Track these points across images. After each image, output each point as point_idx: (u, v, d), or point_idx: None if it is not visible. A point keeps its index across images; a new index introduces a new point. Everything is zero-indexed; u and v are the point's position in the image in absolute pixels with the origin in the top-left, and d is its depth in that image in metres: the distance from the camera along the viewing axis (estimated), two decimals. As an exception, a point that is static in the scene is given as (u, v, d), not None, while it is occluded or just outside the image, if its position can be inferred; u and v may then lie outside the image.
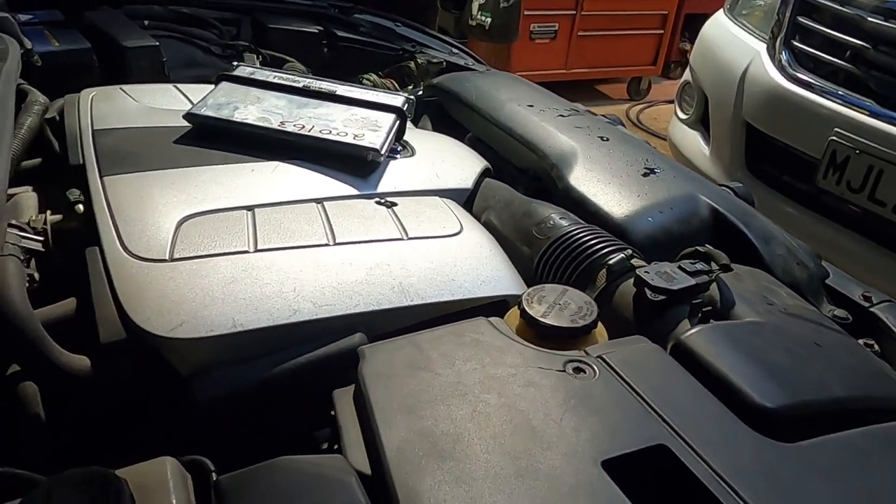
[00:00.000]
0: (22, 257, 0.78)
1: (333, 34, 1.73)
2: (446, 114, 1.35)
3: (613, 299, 0.79)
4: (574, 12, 4.26)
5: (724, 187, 1.07)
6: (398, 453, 0.52)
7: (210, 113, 1.03)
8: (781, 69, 2.08)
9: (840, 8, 1.96)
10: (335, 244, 0.81)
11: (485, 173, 1.09)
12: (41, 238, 0.84)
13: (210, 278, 0.73)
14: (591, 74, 4.64)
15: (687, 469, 0.52)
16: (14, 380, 0.70)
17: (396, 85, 1.61)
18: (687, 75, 2.57)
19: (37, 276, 0.81)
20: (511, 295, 0.80)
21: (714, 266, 0.77)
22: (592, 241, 0.85)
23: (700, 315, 0.72)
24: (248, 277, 0.74)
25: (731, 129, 2.24)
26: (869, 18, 1.87)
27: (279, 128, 1.02)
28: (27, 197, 0.94)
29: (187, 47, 1.57)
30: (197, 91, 1.16)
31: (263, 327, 0.69)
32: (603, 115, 1.31)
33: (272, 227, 0.82)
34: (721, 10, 2.55)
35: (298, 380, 0.70)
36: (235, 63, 1.26)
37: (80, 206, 0.88)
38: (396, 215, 0.89)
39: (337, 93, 1.14)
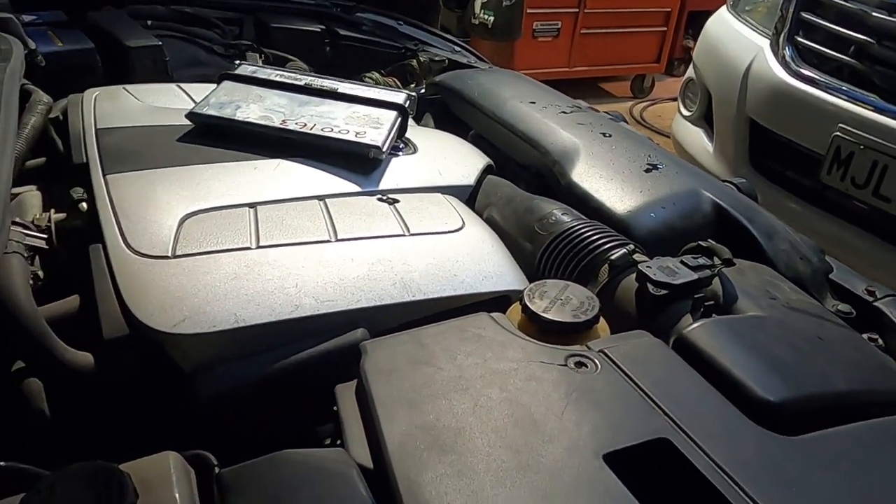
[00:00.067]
0: (26, 255, 0.78)
1: (336, 33, 1.73)
2: (449, 112, 1.35)
3: (615, 294, 0.79)
4: (577, 10, 4.25)
5: (727, 183, 1.07)
6: (400, 447, 0.52)
7: (212, 112, 1.04)
8: (785, 65, 2.08)
9: (844, 3, 1.95)
10: (337, 240, 0.81)
11: (487, 170, 1.09)
12: (45, 236, 0.85)
13: (212, 275, 0.73)
14: (595, 72, 4.63)
15: (689, 462, 0.52)
16: (19, 376, 0.71)
17: (399, 83, 1.61)
18: (690, 72, 2.56)
19: (41, 273, 0.81)
20: (513, 290, 0.80)
21: (716, 261, 0.77)
22: (594, 237, 0.85)
23: (702, 309, 0.72)
24: (250, 273, 0.74)
25: (734, 125, 2.24)
26: (873, 13, 1.86)
27: (281, 126, 1.02)
28: (31, 196, 0.95)
29: (190, 47, 1.57)
30: (200, 90, 1.17)
31: (265, 323, 0.69)
32: (605, 112, 1.30)
33: (274, 223, 0.83)
34: (724, 7, 2.55)
35: (300, 375, 0.70)
36: (237, 62, 1.26)
37: (84, 205, 0.88)
38: (398, 212, 0.89)
39: (338, 90, 1.14)
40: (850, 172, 1.86)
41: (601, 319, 0.69)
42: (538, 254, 0.87)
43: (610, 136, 1.10)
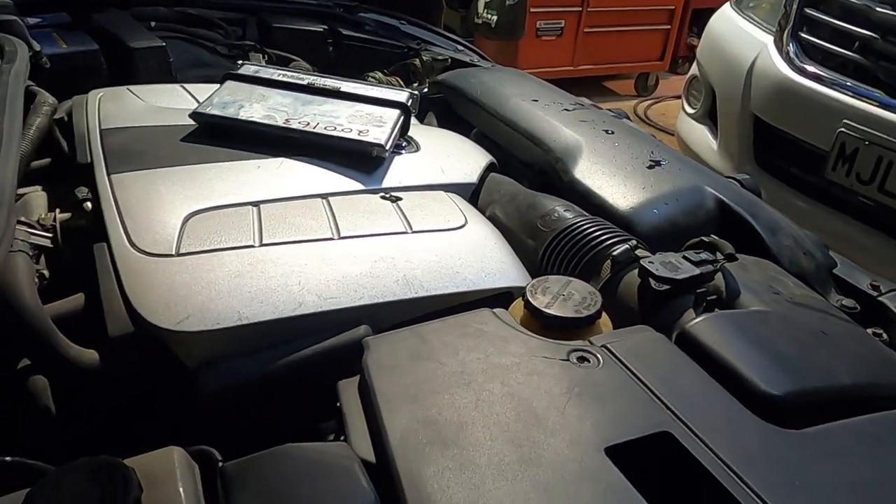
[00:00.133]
0: (31, 254, 0.79)
1: (339, 33, 1.74)
2: (452, 111, 1.35)
3: (618, 290, 0.79)
4: (580, 9, 4.25)
5: (730, 179, 1.07)
6: (402, 441, 0.52)
7: (216, 111, 1.04)
8: (789, 61, 2.07)
9: (847, -1, 1.95)
10: (340, 238, 0.82)
11: (490, 168, 1.09)
12: (50, 235, 0.85)
13: (216, 272, 0.73)
14: (599, 71, 4.62)
15: (691, 456, 0.52)
16: (24, 374, 0.72)
17: (402, 82, 1.61)
18: (694, 69, 2.56)
19: (46, 272, 0.82)
20: (515, 287, 0.80)
21: (719, 256, 0.77)
22: (597, 233, 0.85)
23: (705, 304, 0.72)
24: (253, 271, 0.74)
25: (738, 122, 2.23)
26: (877, 9, 1.85)
27: (284, 125, 1.02)
28: (37, 196, 0.95)
29: (193, 48, 1.58)
30: (203, 91, 1.17)
31: (269, 320, 0.70)
32: (609, 110, 1.30)
33: (277, 221, 0.83)
34: (727, 4, 2.54)
35: (304, 372, 0.70)
36: (240, 62, 1.27)
37: (89, 204, 0.89)
38: (401, 209, 0.89)
39: (341, 89, 1.14)
40: (855, 168, 1.85)
41: (604, 315, 0.69)
42: (541, 250, 0.88)
43: (612, 132, 1.10)
